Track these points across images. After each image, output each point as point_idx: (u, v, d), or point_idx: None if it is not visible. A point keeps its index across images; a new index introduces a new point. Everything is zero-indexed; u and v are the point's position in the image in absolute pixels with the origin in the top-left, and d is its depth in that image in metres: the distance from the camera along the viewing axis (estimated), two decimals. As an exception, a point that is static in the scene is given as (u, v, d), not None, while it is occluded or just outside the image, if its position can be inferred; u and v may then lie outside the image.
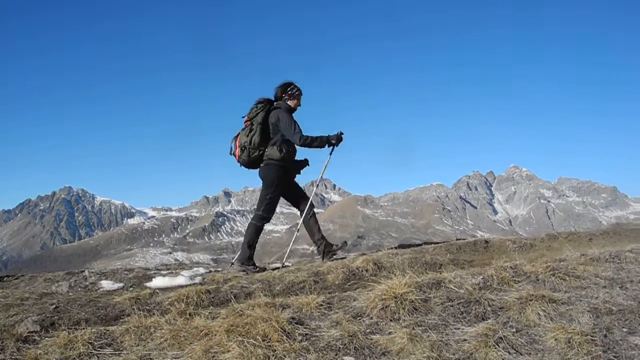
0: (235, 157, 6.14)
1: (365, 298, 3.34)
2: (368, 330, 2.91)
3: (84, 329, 3.14)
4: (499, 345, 2.65)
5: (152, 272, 5.48)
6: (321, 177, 6.74)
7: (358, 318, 3.10)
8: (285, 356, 2.56)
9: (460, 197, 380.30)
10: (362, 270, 4.70)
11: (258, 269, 5.90)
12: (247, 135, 6.00)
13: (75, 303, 4.18)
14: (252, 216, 6.23)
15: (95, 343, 2.90)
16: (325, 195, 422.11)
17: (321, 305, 3.35)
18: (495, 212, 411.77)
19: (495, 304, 3.18)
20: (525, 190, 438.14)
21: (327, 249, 6.16)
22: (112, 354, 2.80)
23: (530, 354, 2.63)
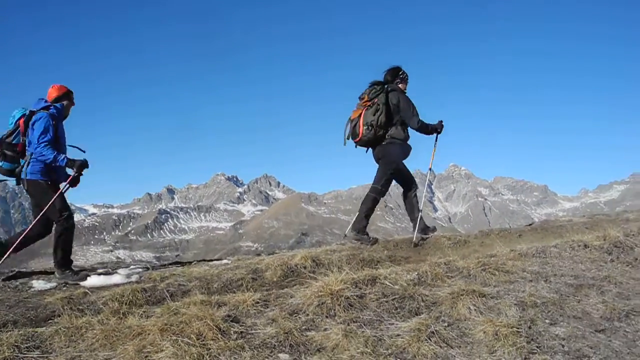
0: (358, 136, 6.28)
1: (302, 295, 3.34)
2: (304, 327, 2.92)
3: (10, 331, 2.99)
4: (430, 340, 2.72)
5: (88, 270, 5.29)
6: (432, 162, 7.06)
7: (294, 315, 3.09)
8: (220, 354, 2.53)
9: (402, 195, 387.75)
10: (300, 267, 4.71)
11: (372, 239, 6.21)
12: (374, 115, 6.15)
13: (4, 304, 3.99)
14: (370, 189, 6.52)
15: (22, 346, 2.77)
16: (270, 193, 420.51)
17: (258, 302, 3.33)
18: (435, 209, 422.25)
19: (428, 299, 3.27)
20: (464, 188, 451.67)
21: (423, 227, 6.42)
22: (39, 356, 2.68)
23: (460, 346, 2.71)
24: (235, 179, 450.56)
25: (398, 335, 2.79)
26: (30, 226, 5.32)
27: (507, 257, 4.08)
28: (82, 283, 4.79)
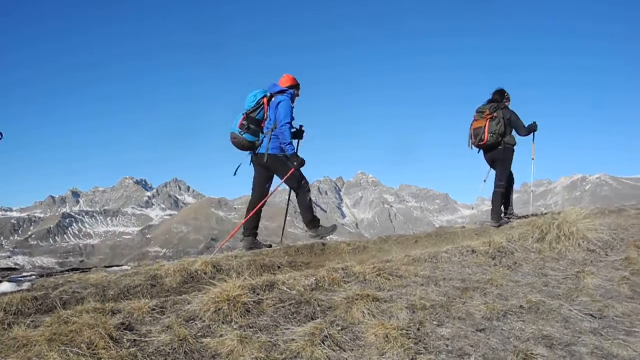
0: (484, 141, 8.00)
1: (199, 301, 3.29)
2: (199, 334, 2.89)
3: None
4: (324, 344, 2.78)
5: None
6: (533, 153, 8.95)
7: (190, 321, 3.05)
8: (111, 363, 2.43)
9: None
10: (200, 273, 4.62)
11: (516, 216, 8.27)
12: (497, 125, 7.91)
13: None
14: (495, 186, 8.28)
15: None
16: (179, 197, 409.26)
17: (154, 309, 3.23)
18: (343, 215, 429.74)
19: (324, 304, 3.33)
20: (370, 195, 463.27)
21: (509, 215, 8.33)
22: None
23: (352, 349, 2.79)
24: (144, 182, 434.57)
25: (293, 339, 2.82)
26: (268, 196, 6.59)
27: (401, 262, 4.26)
28: None
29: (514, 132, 8.12)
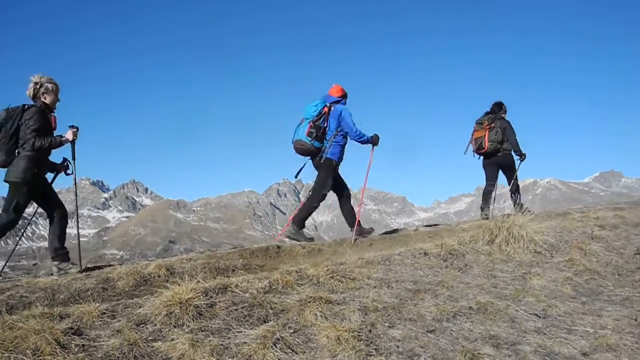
0: (484, 149, 8.97)
1: (150, 305, 3.24)
2: (150, 338, 2.84)
3: None
4: (276, 346, 2.79)
5: None
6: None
7: (141, 325, 2.99)
8: (57, 371, 2.37)
9: (271, 204, 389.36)
10: (154, 276, 4.55)
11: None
12: (495, 135, 8.91)
13: None
14: (511, 191, 9.36)
15: None
16: (137, 199, 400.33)
17: (104, 313, 3.16)
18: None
19: (277, 306, 3.33)
20: (329, 198, 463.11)
21: (518, 204, 8.61)
22: None
23: (304, 352, 2.80)
24: (100, 183, 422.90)
25: (245, 342, 2.82)
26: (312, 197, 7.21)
27: (355, 265, 4.29)
28: None
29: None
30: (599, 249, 5.34)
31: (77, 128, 5.61)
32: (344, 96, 7.18)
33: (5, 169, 5.30)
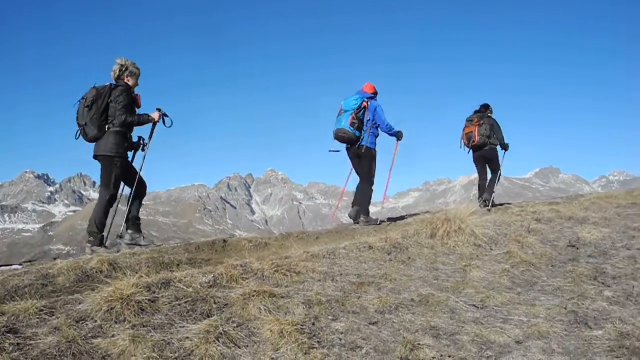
0: (474, 142, 10.28)
1: (91, 301, 3.14)
2: (90, 334, 2.77)
3: None
4: (219, 340, 2.77)
5: None
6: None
7: (81, 322, 2.90)
8: (-11, 371, 2.27)
9: (221, 198, 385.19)
10: (96, 272, 4.40)
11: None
12: (484, 130, 10.24)
13: None
14: (492, 173, 10.52)
15: None
16: (84, 193, 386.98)
17: (42, 310, 3.04)
18: (253, 212, 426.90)
19: (220, 300, 3.30)
20: (280, 192, 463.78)
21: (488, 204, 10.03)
22: None
23: (247, 346, 2.79)
24: (46, 177, 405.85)
25: (187, 337, 2.79)
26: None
27: (300, 258, 4.30)
28: None
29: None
30: (535, 241, 5.54)
31: (162, 111, 6.25)
32: (376, 93, 8.18)
33: (93, 144, 5.85)
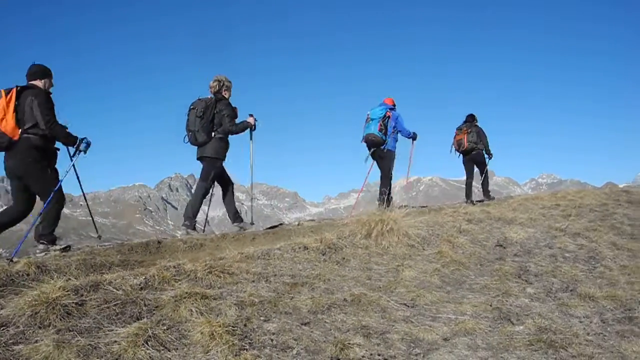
0: (464, 147, 11.47)
1: (14, 305, 3.00)
2: (11, 341, 2.66)
3: None
4: (148, 344, 2.72)
5: None
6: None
7: (2, 328, 2.78)
8: None
9: (162, 198, 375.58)
10: (22, 275, 4.18)
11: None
12: (472, 137, 11.42)
13: None
14: (482, 183, 12.14)
15: None
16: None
17: (-40, 318, 2.86)
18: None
19: (151, 303, 3.23)
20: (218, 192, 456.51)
21: (487, 194, 12.04)
22: None
23: (177, 349, 2.75)
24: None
25: (115, 341, 2.71)
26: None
27: (234, 259, 4.25)
28: None
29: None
30: (465, 241, 5.72)
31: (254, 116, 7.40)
32: (394, 105, 9.57)
33: (198, 147, 6.97)
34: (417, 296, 3.94)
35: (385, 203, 8.78)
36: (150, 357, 2.60)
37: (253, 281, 3.86)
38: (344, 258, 4.78)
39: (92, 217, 7.53)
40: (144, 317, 3.05)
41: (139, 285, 3.52)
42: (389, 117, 9.22)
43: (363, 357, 2.85)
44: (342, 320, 3.34)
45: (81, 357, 2.52)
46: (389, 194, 9.16)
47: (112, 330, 2.84)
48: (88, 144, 5.67)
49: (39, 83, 5.40)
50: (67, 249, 5.43)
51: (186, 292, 3.31)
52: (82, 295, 3.23)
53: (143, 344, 2.67)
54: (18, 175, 5.33)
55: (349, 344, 2.95)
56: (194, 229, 7.12)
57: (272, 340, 2.94)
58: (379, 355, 2.91)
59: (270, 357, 2.75)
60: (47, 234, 5.45)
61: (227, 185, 7.32)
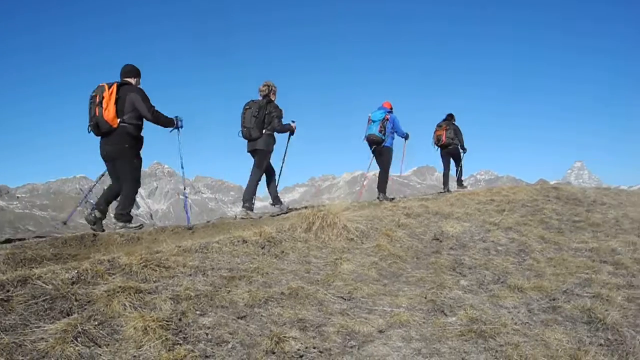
0: (443, 142, 12.85)
1: None
2: None
3: None
4: (77, 340, 2.64)
5: None
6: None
7: None
8: None
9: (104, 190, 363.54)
10: (-56, 271, 3.95)
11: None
12: (450, 134, 12.76)
13: None
14: (457, 176, 13.73)
15: None
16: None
17: None
18: (137, 206, 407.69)
19: (83, 298, 3.13)
20: (166, 185, 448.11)
21: (461, 184, 13.93)
22: None
23: (108, 345, 2.68)
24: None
25: (42, 338, 2.62)
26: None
27: (171, 253, 4.17)
28: None
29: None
30: (403, 235, 5.84)
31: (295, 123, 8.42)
32: (392, 108, 10.68)
33: (249, 141, 7.95)
34: (354, 289, 3.99)
35: (383, 194, 10.74)
36: (79, 353, 2.52)
37: (190, 275, 3.80)
38: (283, 251, 4.77)
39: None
40: (74, 313, 2.95)
41: (71, 279, 3.38)
42: (387, 119, 10.45)
43: (298, 350, 2.87)
44: (278, 313, 3.34)
45: (4, 356, 2.41)
46: (386, 181, 10.71)
47: (40, 326, 2.74)
48: (181, 120, 6.80)
49: (132, 80, 6.38)
50: (140, 227, 6.45)
51: (120, 287, 3.22)
52: (8, 291, 3.08)
53: (72, 340, 2.59)
54: (113, 157, 6.31)
55: (285, 337, 2.95)
56: (252, 209, 7.98)
57: (207, 334, 2.90)
58: (314, 348, 2.92)
59: (205, 351, 2.72)
60: (125, 214, 6.41)
61: (271, 172, 8.42)
